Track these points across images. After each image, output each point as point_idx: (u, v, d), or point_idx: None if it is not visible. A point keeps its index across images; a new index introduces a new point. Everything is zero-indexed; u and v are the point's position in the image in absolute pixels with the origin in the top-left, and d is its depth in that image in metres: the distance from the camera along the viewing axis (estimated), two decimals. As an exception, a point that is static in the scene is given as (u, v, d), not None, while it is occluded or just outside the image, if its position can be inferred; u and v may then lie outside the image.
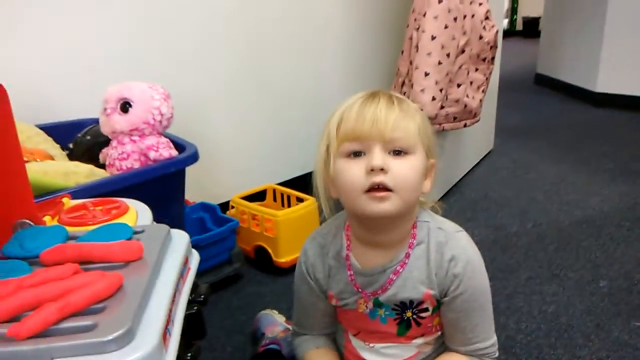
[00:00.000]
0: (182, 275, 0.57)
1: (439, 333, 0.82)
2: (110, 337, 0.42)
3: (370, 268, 0.77)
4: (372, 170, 0.68)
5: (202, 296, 0.60)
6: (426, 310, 0.77)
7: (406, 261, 0.76)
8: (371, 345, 0.82)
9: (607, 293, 1.35)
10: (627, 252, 1.55)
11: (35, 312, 0.43)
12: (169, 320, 0.48)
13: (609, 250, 1.57)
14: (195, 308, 0.56)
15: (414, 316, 0.78)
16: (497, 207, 1.92)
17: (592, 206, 1.89)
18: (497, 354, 0.80)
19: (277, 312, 1.22)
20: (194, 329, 0.56)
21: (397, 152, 0.70)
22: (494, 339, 0.80)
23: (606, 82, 3.34)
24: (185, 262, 0.61)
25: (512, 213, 1.86)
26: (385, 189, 0.69)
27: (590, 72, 3.41)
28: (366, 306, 0.79)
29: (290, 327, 1.15)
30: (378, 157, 0.69)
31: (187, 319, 0.54)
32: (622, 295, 1.33)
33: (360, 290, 0.79)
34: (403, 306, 0.77)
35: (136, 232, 0.60)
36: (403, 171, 0.70)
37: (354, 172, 0.70)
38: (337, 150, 0.73)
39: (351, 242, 0.80)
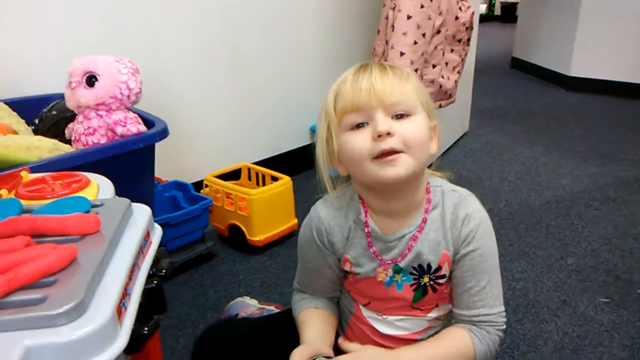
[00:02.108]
0: (142, 250, 0.56)
1: (450, 304, 0.80)
2: (60, 311, 0.41)
3: (389, 234, 0.76)
4: (379, 137, 0.67)
5: (164, 270, 0.58)
6: (443, 276, 0.76)
7: (423, 226, 0.75)
8: (384, 316, 0.80)
9: (574, 270, 1.38)
10: (594, 231, 1.58)
11: (-19, 284, 0.42)
12: (124, 294, 0.47)
13: (577, 229, 1.60)
14: (156, 282, 0.55)
15: (431, 282, 0.77)
16: (471, 187, 1.89)
17: (562, 187, 1.92)
18: (504, 327, 0.76)
19: (248, 298, 1.20)
20: (154, 304, 0.54)
21: (400, 116, 0.69)
22: (501, 309, 0.76)
23: (579, 67, 3.39)
24: (147, 236, 0.59)
25: (484, 193, 1.88)
26: (395, 151, 0.67)
27: (565, 57, 3.45)
28: (386, 274, 0.77)
29: (264, 306, 1.14)
30: (383, 122, 0.67)
31: (147, 293, 0.53)
32: (588, 273, 1.36)
33: (379, 257, 0.77)
34: (421, 270, 0.76)
35: (95, 206, 0.58)
36: (410, 130, 0.68)
37: (359, 141, 0.69)
38: (338, 126, 0.71)
39: (367, 210, 0.78)
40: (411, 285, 0.77)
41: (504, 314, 0.76)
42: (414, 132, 0.69)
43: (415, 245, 0.75)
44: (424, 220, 0.75)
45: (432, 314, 0.79)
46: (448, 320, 0.82)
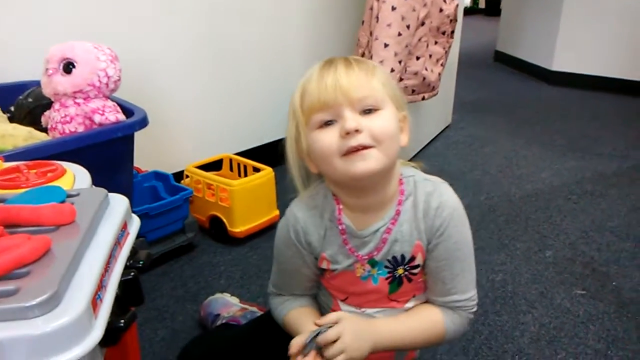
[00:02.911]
0: (118, 241, 0.55)
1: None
2: (33, 303, 0.40)
3: (363, 230, 0.76)
4: (347, 134, 0.66)
5: (141, 262, 0.57)
6: (417, 266, 0.77)
7: (397, 218, 0.75)
8: (362, 309, 0.81)
9: (552, 263, 1.40)
10: (572, 224, 1.61)
11: (-50, 276, 0.40)
12: (100, 286, 0.46)
13: (555, 222, 1.62)
14: (133, 274, 0.54)
15: (406, 273, 0.77)
16: (452, 180, 1.91)
17: (542, 180, 1.95)
18: (475, 309, 0.78)
19: (229, 295, 1.18)
20: (131, 295, 0.54)
21: (368, 111, 0.68)
22: (473, 293, 0.78)
23: (561, 61, 3.42)
24: (124, 227, 0.58)
25: (466, 186, 1.89)
26: (364, 147, 0.67)
27: (547, 51, 3.48)
28: (364, 269, 0.77)
29: (246, 306, 1.13)
30: (351, 119, 0.67)
31: (124, 285, 0.52)
32: (566, 265, 1.39)
33: (355, 253, 0.77)
34: (395, 262, 0.76)
35: (70, 196, 0.57)
36: (379, 125, 0.68)
37: (327, 139, 0.68)
38: (306, 125, 0.71)
39: (342, 207, 0.77)
40: (386, 279, 0.78)
41: (475, 297, 0.78)
42: (383, 127, 0.68)
43: (389, 238, 0.75)
44: (397, 212, 0.75)
45: (409, 304, 0.80)
46: None
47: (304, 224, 0.78)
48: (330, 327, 0.71)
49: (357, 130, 0.66)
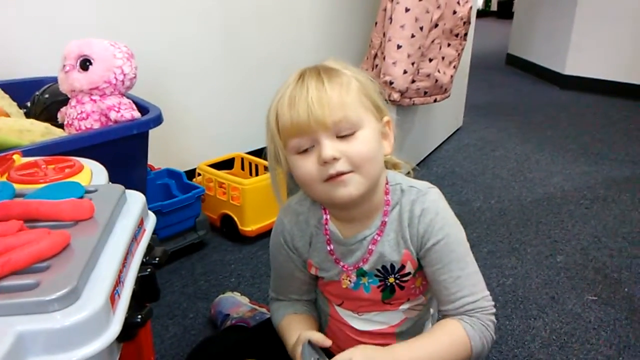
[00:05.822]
0: (135, 237, 0.55)
1: (422, 296, 0.81)
2: (53, 297, 0.40)
3: (350, 237, 0.76)
4: (325, 163, 0.67)
5: (157, 258, 0.58)
6: (408, 274, 0.76)
7: (383, 228, 0.75)
8: (360, 314, 0.81)
9: (564, 268, 1.39)
10: (584, 229, 1.60)
11: (-28, 268, 0.41)
12: (118, 282, 0.47)
13: (567, 227, 1.61)
14: (149, 270, 0.55)
15: (397, 281, 0.77)
16: (463, 182, 1.95)
17: (553, 184, 1.94)
18: (493, 310, 0.74)
19: (239, 294, 1.19)
20: (147, 291, 0.54)
21: (345, 134, 0.68)
22: (485, 293, 0.74)
23: (574, 65, 3.39)
24: (141, 223, 0.59)
25: (476, 189, 1.89)
26: (344, 173, 0.67)
27: (560, 55, 3.46)
28: (350, 280, 0.78)
29: (256, 307, 1.13)
30: (327, 148, 0.66)
31: (140, 281, 0.53)
32: (577, 270, 1.38)
33: (341, 264, 0.77)
34: (385, 271, 0.76)
35: (88, 191, 0.58)
36: (357, 150, 0.67)
37: (307, 166, 0.69)
38: (285, 148, 0.71)
39: (328, 216, 0.78)
40: (378, 287, 0.78)
41: (489, 297, 0.75)
42: (361, 151, 0.68)
43: (376, 248, 0.75)
44: (383, 223, 0.75)
45: (404, 306, 0.80)
46: (424, 310, 0.83)
47: (290, 229, 0.79)
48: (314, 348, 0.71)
49: (335, 158, 0.66)
